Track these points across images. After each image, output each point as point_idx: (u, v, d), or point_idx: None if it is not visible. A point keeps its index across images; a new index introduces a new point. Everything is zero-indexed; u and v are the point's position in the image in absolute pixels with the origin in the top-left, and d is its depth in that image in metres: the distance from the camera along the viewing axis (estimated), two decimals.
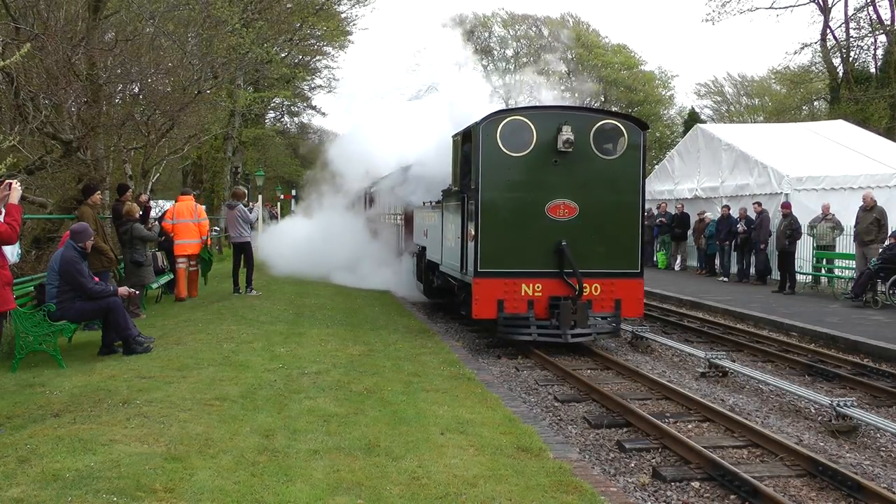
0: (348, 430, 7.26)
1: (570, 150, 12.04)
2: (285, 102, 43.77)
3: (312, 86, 44.03)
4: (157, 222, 17.27)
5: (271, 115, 45.42)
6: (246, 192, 20.99)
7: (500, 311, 12.11)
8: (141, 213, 15.35)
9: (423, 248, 17.18)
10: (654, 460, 7.58)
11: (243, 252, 17.89)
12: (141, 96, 20.12)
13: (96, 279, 11.03)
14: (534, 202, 12.17)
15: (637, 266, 12.56)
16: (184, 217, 17.46)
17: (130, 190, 16.26)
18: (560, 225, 12.20)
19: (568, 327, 11.96)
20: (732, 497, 6.59)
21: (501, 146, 12.12)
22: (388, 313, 15.82)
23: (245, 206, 18.24)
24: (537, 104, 12.65)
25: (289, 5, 28.69)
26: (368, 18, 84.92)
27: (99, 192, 14.08)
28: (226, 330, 12.59)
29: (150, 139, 20.31)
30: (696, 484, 6.90)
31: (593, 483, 6.18)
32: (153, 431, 6.92)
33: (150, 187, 22.68)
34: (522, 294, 12.16)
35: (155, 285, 16.39)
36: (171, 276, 17.67)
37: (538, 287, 12.20)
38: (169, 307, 15.94)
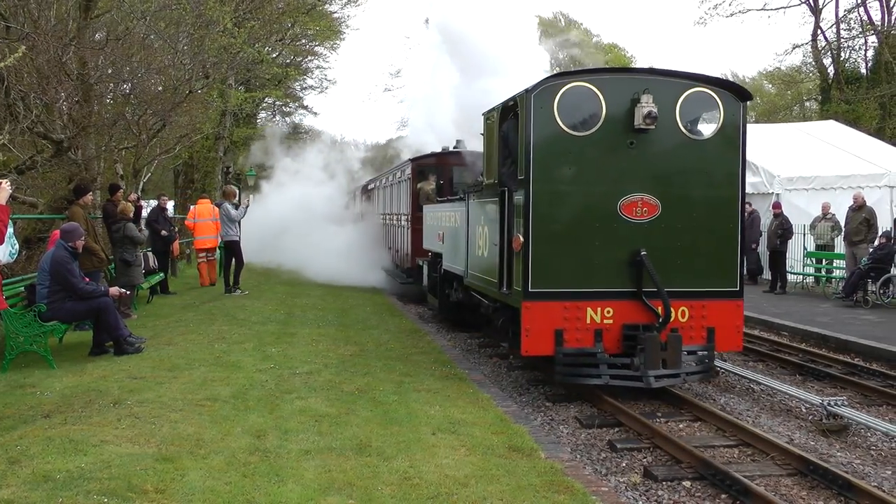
0: (340, 430, 7.26)
1: (653, 126, 9.08)
2: (277, 102, 43.69)
3: (304, 86, 44.00)
4: (145, 225, 17.33)
5: (263, 114, 45.33)
6: (237, 191, 20.97)
7: (559, 346, 9.06)
8: (133, 212, 15.34)
9: (437, 256, 14.87)
10: (645, 460, 7.60)
11: (230, 251, 18.03)
12: (132, 96, 20.04)
13: (87, 279, 11.00)
14: (603, 198, 9.22)
15: (735, 283, 9.63)
16: (204, 217, 20.26)
17: (122, 190, 16.25)
18: (637, 228, 9.23)
19: (654, 368, 9.00)
20: (724, 496, 6.61)
21: (560, 122, 9.08)
22: (379, 313, 15.82)
23: (232, 204, 18.30)
24: (604, 66, 10.55)
25: (280, 5, 28.63)
26: (360, 18, 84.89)
27: (90, 192, 14.05)
28: (217, 330, 12.58)
29: (142, 139, 20.27)
30: (687, 483, 6.92)
31: (585, 483, 6.20)
32: (144, 432, 6.91)
33: (141, 187, 22.65)
34: (588, 321, 9.15)
35: (146, 285, 16.35)
36: (162, 277, 17.81)
37: (608, 312, 9.20)
38: (160, 308, 15.90)
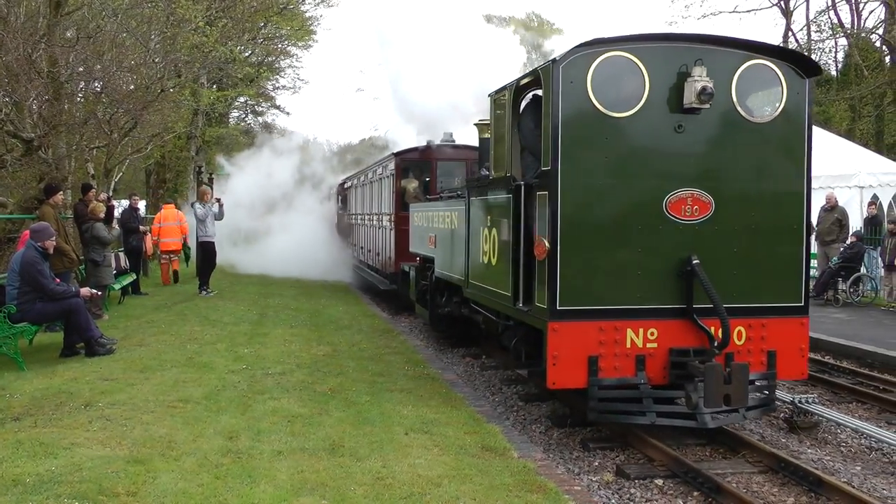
0: (312, 430, 7.24)
1: (707, 106, 7.45)
2: (249, 102, 43.48)
3: (276, 85, 43.80)
4: (119, 225, 17.21)
5: (235, 114, 45.10)
6: (211, 191, 20.90)
7: (593, 376, 7.38)
8: (105, 212, 15.23)
9: (428, 261, 13.18)
10: (617, 459, 7.65)
11: (204, 251, 18.00)
12: (103, 94, 19.86)
13: (57, 280, 10.90)
14: (647, 194, 7.56)
15: (800, 296, 7.97)
16: (169, 221, 21.31)
17: (93, 189, 16.13)
18: (687, 231, 7.58)
19: (716, 405, 7.23)
20: (696, 493, 6.66)
21: (594, 100, 7.39)
22: (351, 313, 15.78)
23: (202, 204, 18.25)
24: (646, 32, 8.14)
25: (253, 4, 28.47)
26: (333, 18, 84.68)
27: (61, 191, 13.93)
28: (189, 331, 12.51)
29: (113, 138, 20.14)
30: (659, 481, 6.97)
31: (557, 482, 6.22)
32: (116, 434, 6.87)
33: (112, 187, 22.48)
34: (628, 346, 7.47)
35: (117, 286, 16.23)
36: (134, 277, 17.70)
37: (652, 334, 7.53)
38: (132, 308, 15.78)
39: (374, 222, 20.35)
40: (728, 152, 7.76)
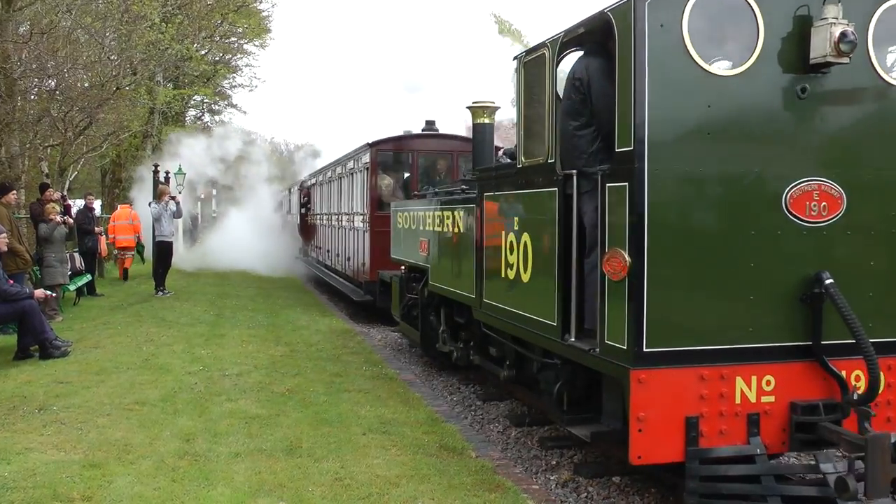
0: (270, 431, 7.25)
1: (846, 60, 5.23)
2: (206, 100, 43.13)
3: (233, 84, 43.51)
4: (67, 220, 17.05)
5: (192, 112, 44.71)
6: (169, 190, 20.74)
7: (692, 446, 5.24)
8: (61, 212, 15.14)
9: (417, 271, 11.07)
10: (575, 457, 7.70)
11: (160, 251, 17.91)
12: (57, 92, 19.66)
13: (11, 281, 10.78)
14: (762, 186, 5.41)
15: None
16: (121, 220, 22.44)
17: (50, 189, 15.98)
18: (812, 236, 5.47)
19: (882, 495, 4.89)
20: (653, 490, 6.73)
21: (693, 52, 5.20)
22: (309, 314, 15.76)
23: (158, 203, 18.16)
24: None
25: (209, 2, 28.31)
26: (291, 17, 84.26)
27: (14, 191, 13.75)
28: (145, 332, 12.43)
29: (68, 136, 19.95)
30: (616, 479, 7.02)
31: (515, 481, 6.28)
32: (70, 438, 6.83)
33: (67, 186, 22.23)
34: (738, 400, 5.35)
35: (72, 287, 16.07)
36: (89, 278, 17.56)
37: (768, 383, 5.41)
38: (87, 310, 15.62)
39: (345, 223, 18.25)
40: (862, 125, 5.61)
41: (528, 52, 7.04)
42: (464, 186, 9.42)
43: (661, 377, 5.20)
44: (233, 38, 37.94)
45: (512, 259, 7.17)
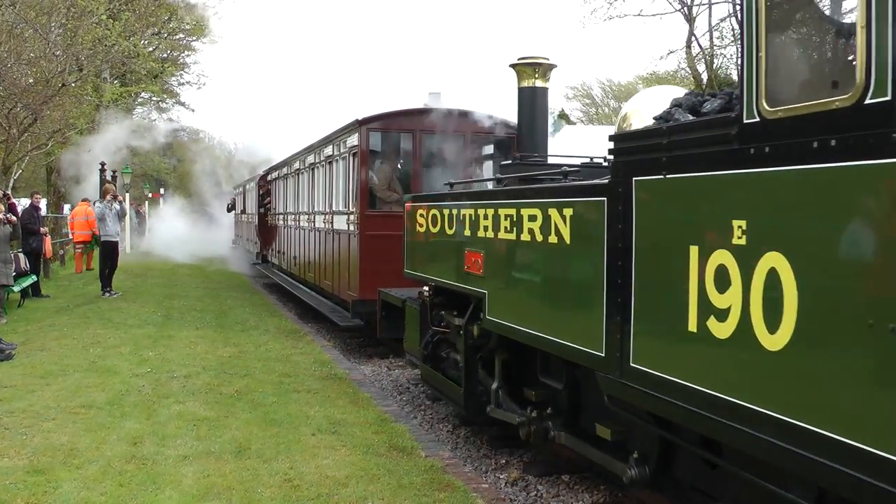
0: (218, 433, 7.23)
1: None
2: (153, 98, 42.60)
3: (181, 81, 43.05)
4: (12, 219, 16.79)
5: (139, 110, 44.13)
6: (115, 188, 20.47)
7: None
8: (5, 211, 14.87)
9: (457, 294, 7.68)
10: (524, 456, 7.78)
11: (105, 251, 17.68)
12: (0, 88, 19.31)
13: None
14: None
15: None
16: (78, 216, 23.38)
17: None
18: None
19: None
20: (602, 487, 6.80)
21: None
22: (258, 314, 15.67)
23: (101, 202, 17.99)
24: None
25: None
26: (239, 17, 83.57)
27: None
28: (92, 334, 12.29)
29: (12, 134, 19.63)
30: (565, 477, 7.09)
31: (465, 480, 6.33)
32: (14, 443, 6.75)
33: (11, 184, 21.86)
34: None
35: (17, 288, 15.81)
36: (34, 279, 17.32)
37: None
38: (32, 311, 15.40)
39: (320, 225, 14.97)
40: None
41: None
42: (571, 166, 6.65)
43: None
44: (180, 35, 37.55)
45: (722, 300, 3.85)
